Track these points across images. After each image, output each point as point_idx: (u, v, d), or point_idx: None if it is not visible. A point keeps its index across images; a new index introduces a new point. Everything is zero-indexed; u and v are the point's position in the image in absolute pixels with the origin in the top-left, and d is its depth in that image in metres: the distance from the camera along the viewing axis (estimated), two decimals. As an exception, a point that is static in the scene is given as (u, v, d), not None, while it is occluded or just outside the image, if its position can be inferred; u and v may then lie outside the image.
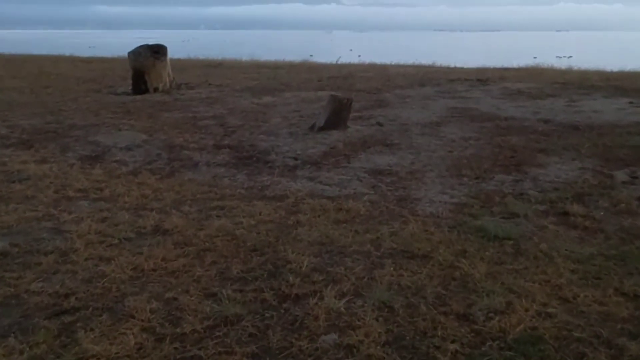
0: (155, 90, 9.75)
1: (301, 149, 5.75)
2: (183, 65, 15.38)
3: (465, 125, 6.72)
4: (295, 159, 5.40)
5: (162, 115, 7.69)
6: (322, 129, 6.54)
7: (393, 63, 19.75)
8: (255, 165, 5.22)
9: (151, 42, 10.32)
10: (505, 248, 3.28)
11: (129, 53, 9.78)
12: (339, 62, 19.00)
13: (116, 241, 3.40)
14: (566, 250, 3.24)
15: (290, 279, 2.87)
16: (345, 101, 6.49)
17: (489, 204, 4.06)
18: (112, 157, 5.58)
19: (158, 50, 9.77)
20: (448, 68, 15.36)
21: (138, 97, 9.41)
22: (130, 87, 9.97)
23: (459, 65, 19.09)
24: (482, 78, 10.70)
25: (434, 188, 4.46)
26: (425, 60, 24.31)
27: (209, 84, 10.81)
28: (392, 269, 3.00)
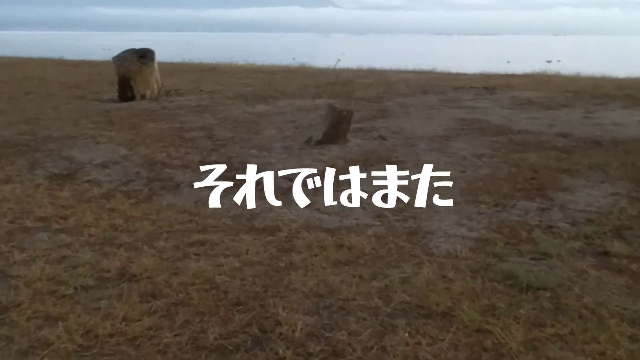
0: (142, 97, 9.16)
1: (296, 167, 5.16)
2: (175, 69, 14.82)
3: (475, 140, 6.15)
4: (290, 179, 4.81)
5: (147, 126, 7.11)
6: (319, 142, 5.97)
7: (393, 68, 19.22)
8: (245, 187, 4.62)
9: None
10: (542, 302, 2.70)
11: (113, 58, 9.20)
12: (337, 67, 18.45)
13: (71, 290, 2.81)
14: (616, 306, 2.67)
15: (280, 350, 2.29)
16: (345, 113, 5.91)
17: (514, 240, 3.49)
18: (84, 176, 4.98)
19: (145, 55, 9.19)
20: (450, 74, 14.84)
21: (124, 104, 8.82)
22: (116, 94, 9.39)
23: (460, 70, 18.57)
24: (489, 86, 10.15)
25: (449, 218, 3.88)
26: (425, 65, 23.82)
27: (200, 91, 10.24)
28: (406, 334, 2.42)
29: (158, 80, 9.48)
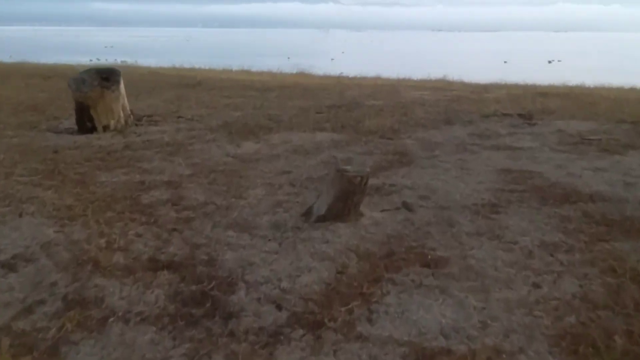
0: (106, 128, 7.52)
1: (289, 274, 3.52)
2: (157, 81, 13.18)
3: (536, 213, 4.49)
4: (278, 306, 3.16)
5: (98, 179, 5.48)
6: (322, 218, 4.32)
7: (400, 77, 17.70)
8: (207, 326, 2.97)
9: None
10: None
11: (69, 81, 7.53)
12: (340, 75, 16.85)
13: None
14: None
15: None
16: (359, 180, 4.25)
17: None
18: (-30, 293, 3.33)
19: (108, 77, 7.52)
20: (466, 85, 13.23)
21: (80, 138, 7.18)
22: (78, 121, 7.74)
23: (473, 79, 17.11)
24: (524, 112, 8.46)
25: None
26: (434, 71, 22.31)
27: (179, 117, 8.56)
28: None
29: (125, 107, 7.81)
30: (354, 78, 17.33)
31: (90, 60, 45.64)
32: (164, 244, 3.97)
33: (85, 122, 7.47)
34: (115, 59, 44.50)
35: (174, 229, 4.25)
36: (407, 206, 4.66)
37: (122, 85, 7.62)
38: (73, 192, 5.09)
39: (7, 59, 36.89)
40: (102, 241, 4.01)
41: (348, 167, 4.36)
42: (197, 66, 21.99)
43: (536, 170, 5.63)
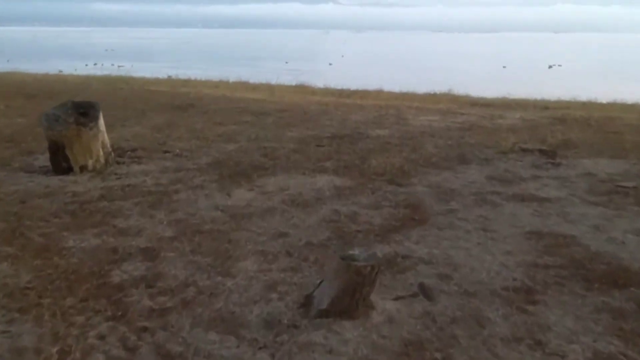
0: (83, 169, 6.77)
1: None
2: (148, 101, 12.45)
3: (581, 304, 3.74)
4: None
5: (65, 244, 4.73)
6: (325, 313, 3.58)
7: (404, 90, 17.01)
8: None
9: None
10: None
11: (41, 117, 6.78)
12: (342, 90, 16.15)
13: None
14: None
15: None
16: (369, 270, 3.50)
17: None
18: None
19: (87, 112, 6.77)
20: (473, 102, 12.50)
21: (53, 181, 6.45)
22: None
23: (475, 90, 16.48)
24: (546, 148, 7.70)
25: None
26: (436, 77, 21.78)
27: (165, 152, 7.81)
28: None
29: (105, 144, 7.06)
30: (356, 92, 16.62)
31: (87, 65, 45.06)
32: (129, 355, 3.22)
33: (61, 162, 6.73)
34: (113, 64, 43.91)
35: (145, 328, 3.50)
36: (425, 292, 3.92)
37: (101, 121, 6.88)
38: (32, 264, 4.35)
39: (4, 63, 36.29)
40: (54, 351, 3.26)
41: (355, 252, 3.60)
42: (192, 77, 21.31)
43: (570, 233, 4.87)
